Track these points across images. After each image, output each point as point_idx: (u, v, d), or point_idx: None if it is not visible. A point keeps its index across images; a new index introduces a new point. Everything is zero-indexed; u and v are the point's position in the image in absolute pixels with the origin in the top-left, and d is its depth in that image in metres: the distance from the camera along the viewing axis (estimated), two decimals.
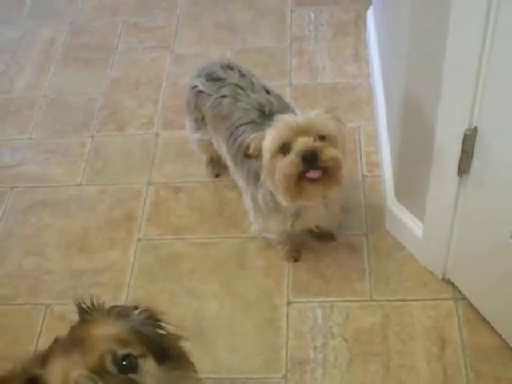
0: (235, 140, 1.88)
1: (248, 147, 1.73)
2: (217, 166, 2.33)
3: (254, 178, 1.85)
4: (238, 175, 1.99)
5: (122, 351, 1.11)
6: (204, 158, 2.33)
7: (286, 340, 1.92)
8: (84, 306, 1.22)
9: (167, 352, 1.22)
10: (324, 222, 2.00)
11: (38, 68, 2.92)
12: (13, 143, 2.62)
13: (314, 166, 1.63)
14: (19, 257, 2.24)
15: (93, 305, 1.22)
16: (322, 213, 1.88)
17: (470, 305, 1.91)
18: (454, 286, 1.96)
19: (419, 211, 1.92)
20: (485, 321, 1.87)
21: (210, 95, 1.97)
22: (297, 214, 1.86)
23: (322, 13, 2.95)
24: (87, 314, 1.21)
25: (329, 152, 1.64)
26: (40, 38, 3.07)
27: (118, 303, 1.27)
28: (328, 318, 1.96)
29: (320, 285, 2.04)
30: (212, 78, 1.99)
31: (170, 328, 1.28)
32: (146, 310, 1.25)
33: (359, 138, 2.41)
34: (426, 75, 1.64)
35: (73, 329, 1.20)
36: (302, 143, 1.63)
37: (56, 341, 1.19)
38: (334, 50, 2.78)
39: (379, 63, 2.42)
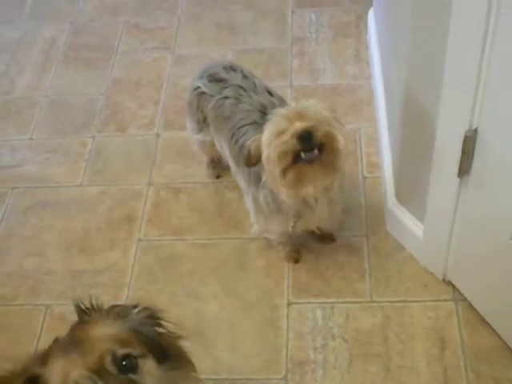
0: (237, 141, 1.88)
1: (249, 152, 1.72)
2: (217, 167, 2.33)
3: (256, 179, 1.85)
4: (239, 176, 1.99)
5: (121, 351, 1.11)
6: (205, 159, 2.33)
7: (286, 341, 1.92)
8: (82, 307, 1.21)
9: (167, 352, 1.22)
10: (325, 224, 2.00)
11: (39, 68, 2.92)
12: (13, 143, 2.62)
13: (310, 145, 1.60)
14: (19, 257, 2.24)
15: (92, 305, 1.22)
16: (323, 214, 1.87)
17: (470, 306, 1.91)
18: (454, 286, 1.96)
19: (419, 212, 1.92)
20: (485, 322, 1.87)
21: (212, 96, 1.97)
22: (298, 215, 1.85)
23: (323, 14, 2.95)
24: (86, 314, 1.21)
25: (324, 129, 1.62)
26: (41, 38, 3.07)
27: (118, 303, 1.27)
28: (328, 318, 1.96)
29: (320, 286, 2.04)
30: (214, 79, 1.99)
31: (169, 327, 1.28)
32: (145, 309, 1.25)
33: (360, 139, 2.41)
34: (427, 76, 1.64)
35: (72, 329, 1.20)
36: (297, 126, 1.60)
37: (56, 341, 1.19)
38: (335, 51, 2.78)
39: (380, 64, 2.42)
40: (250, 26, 2.96)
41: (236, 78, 1.97)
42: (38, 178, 2.47)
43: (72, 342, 1.14)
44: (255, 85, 1.95)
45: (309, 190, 1.71)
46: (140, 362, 1.13)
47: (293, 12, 2.99)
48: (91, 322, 1.18)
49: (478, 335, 1.86)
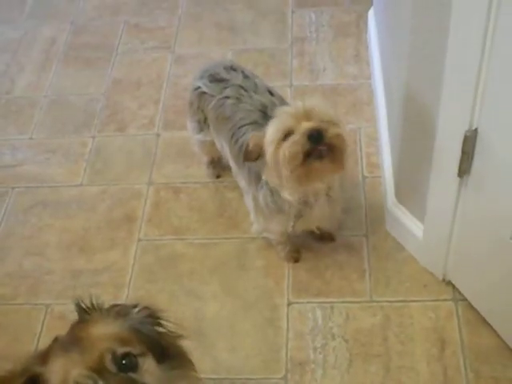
0: (237, 141, 1.88)
1: (248, 148, 1.73)
2: (217, 166, 2.33)
3: (255, 178, 1.85)
4: (239, 176, 1.99)
5: (121, 350, 1.11)
6: (205, 159, 2.33)
7: (285, 341, 1.93)
8: (83, 306, 1.22)
9: (167, 351, 1.22)
10: (325, 223, 2.00)
11: (39, 68, 2.92)
12: (13, 143, 2.62)
13: (320, 145, 1.60)
14: (20, 257, 2.24)
15: (92, 304, 1.22)
16: (324, 214, 1.87)
17: (470, 306, 1.91)
18: (454, 287, 1.96)
19: (419, 212, 1.92)
20: (485, 322, 1.87)
21: (213, 96, 1.97)
22: (299, 215, 1.85)
23: (323, 14, 2.95)
24: (86, 313, 1.21)
25: (334, 130, 1.62)
26: (41, 38, 3.07)
27: (118, 302, 1.27)
28: (328, 318, 1.96)
29: (320, 285, 2.04)
30: (215, 79, 1.99)
31: (169, 326, 1.28)
32: (145, 309, 1.25)
33: (360, 139, 2.41)
34: (427, 76, 1.64)
35: (72, 328, 1.20)
36: (306, 125, 1.60)
37: (56, 340, 1.20)
38: (335, 51, 2.78)
39: (380, 64, 2.42)
40: (250, 26, 2.96)
41: (237, 78, 1.97)
42: (38, 178, 2.48)
43: (72, 340, 1.14)
44: (256, 85, 1.95)
45: (315, 186, 1.72)
46: (140, 360, 1.13)
47: (293, 12, 2.99)
48: (91, 321, 1.18)
49: (477, 335, 1.86)
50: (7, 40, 3.09)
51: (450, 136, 1.58)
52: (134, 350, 1.13)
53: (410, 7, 1.64)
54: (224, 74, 1.99)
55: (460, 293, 1.94)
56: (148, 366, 1.14)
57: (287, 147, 1.61)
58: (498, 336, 1.84)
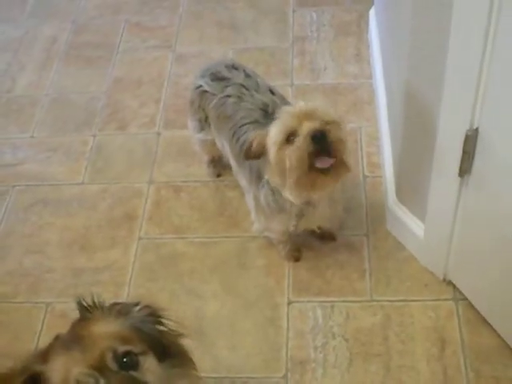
0: (238, 139, 1.88)
1: (250, 146, 1.72)
2: (218, 165, 2.33)
3: (256, 177, 1.85)
4: (240, 175, 1.99)
5: (122, 348, 1.11)
6: (205, 157, 2.33)
7: (286, 340, 1.93)
8: (84, 304, 1.22)
9: (168, 349, 1.22)
10: (326, 223, 2.00)
11: (40, 66, 2.92)
12: (14, 142, 2.62)
13: (324, 147, 1.59)
14: (20, 255, 2.24)
15: (93, 303, 1.23)
16: (325, 213, 1.87)
17: (471, 305, 1.91)
18: (454, 286, 1.96)
19: (420, 211, 1.92)
20: (485, 321, 1.87)
21: (214, 95, 1.97)
22: (300, 215, 1.85)
23: (324, 13, 2.95)
24: (88, 311, 1.21)
25: (336, 133, 1.62)
26: (42, 37, 3.07)
27: (119, 301, 1.27)
28: (328, 317, 1.96)
29: (320, 285, 2.04)
30: (217, 77, 1.99)
31: (170, 325, 1.28)
32: (146, 307, 1.25)
33: (360, 139, 2.41)
34: (428, 76, 1.64)
35: (73, 326, 1.20)
36: (308, 126, 1.60)
37: (57, 338, 1.20)
38: (336, 51, 2.78)
39: (381, 63, 2.42)
40: (251, 25, 2.96)
41: (238, 77, 1.97)
42: (39, 176, 2.48)
43: (73, 339, 1.14)
44: (257, 84, 1.95)
45: (318, 194, 1.73)
46: (141, 359, 1.13)
47: (294, 11, 2.99)
48: (93, 319, 1.19)
49: (478, 335, 1.86)
50: (8, 39, 3.09)
51: (450, 135, 1.58)
52: (135, 348, 1.13)
53: (411, 7, 1.64)
54: (225, 73, 1.99)
55: (460, 292, 1.94)
56: (149, 364, 1.14)
57: (293, 152, 1.61)
58: (499, 335, 1.84)
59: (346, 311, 1.96)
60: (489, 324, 1.86)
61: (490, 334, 1.85)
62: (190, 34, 2.97)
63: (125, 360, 1.11)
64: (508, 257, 1.62)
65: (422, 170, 1.80)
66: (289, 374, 1.85)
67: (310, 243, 2.13)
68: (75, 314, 1.24)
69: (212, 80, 1.99)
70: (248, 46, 2.87)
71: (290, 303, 2.01)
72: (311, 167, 1.62)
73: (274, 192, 1.80)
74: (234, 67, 2.01)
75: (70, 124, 2.66)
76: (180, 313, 1.97)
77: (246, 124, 1.87)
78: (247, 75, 1.98)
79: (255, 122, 1.85)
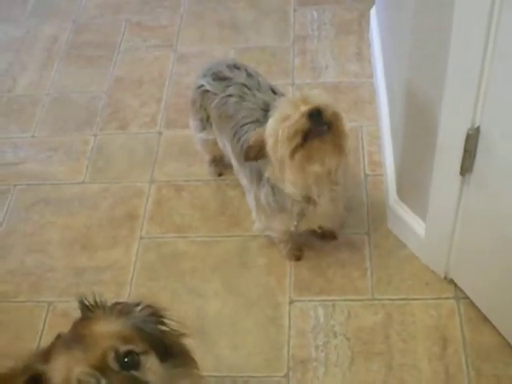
0: (239, 139, 1.88)
1: (249, 146, 1.72)
2: (219, 164, 2.33)
3: (257, 177, 1.85)
4: (241, 174, 1.99)
5: (124, 348, 1.11)
6: (207, 157, 2.33)
7: (287, 338, 1.93)
8: (86, 303, 1.22)
9: (170, 349, 1.22)
10: (328, 222, 2.00)
11: (41, 66, 2.93)
12: (15, 141, 2.62)
13: (319, 123, 1.59)
14: (22, 254, 2.25)
15: (95, 302, 1.23)
16: (327, 212, 1.87)
17: (472, 304, 1.91)
18: (455, 285, 1.96)
19: (421, 210, 1.92)
20: (486, 320, 1.87)
21: (215, 94, 1.96)
22: (302, 214, 1.85)
23: (325, 12, 2.95)
24: (89, 310, 1.21)
25: (331, 108, 1.61)
26: (43, 36, 3.07)
27: (121, 300, 1.27)
28: (330, 316, 1.96)
29: (322, 283, 2.04)
30: (218, 77, 1.99)
31: (172, 325, 1.28)
32: (148, 307, 1.25)
33: (362, 138, 2.41)
34: (429, 75, 1.64)
35: (75, 326, 1.20)
36: (305, 108, 1.59)
37: (58, 337, 1.20)
38: (337, 49, 2.78)
39: (382, 62, 2.42)
40: (252, 24, 2.96)
41: (240, 77, 1.96)
42: (40, 176, 2.48)
43: (75, 338, 1.14)
44: (259, 83, 1.95)
45: (316, 169, 1.68)
46: (142, 358, 1.13)
47: (295, 10, 2.99)
48: (94, 318, 1.19)
49: (479, 333, 1.86)
50: (9, 38, 3.09)
51: (452, 134, 1.57)
52: (137, 348, 1.13)
53: (412, 6, 1.64)
54: (227, 73, 1.99)
55: (462, 291, 1.94)
56: (150, 364, 1.14)
57: (286, 126, 1.60)
58: (500, 334, 1.84)
59: (347, 310, 1.97)
60: (490, 322, 1.86)
61: (491, 333, 1.85)
62: (191, 34, 2.97)
63: (126, 360, 1.11)
64: (509, 255, 1.62)
65: (423, 168, 1.80)
66: (290, 373, 1.85)
67: (311, 242, 2.13)
68: (77, 314, 1.24)
69: (214, 80, 1.99)
70: (249, 45, 2.86)
71: (291, 302, 2.01)
72: (306, 138, 1.60)
73: (275, 191, 1.80)
74: (235, 67, 2.01)
75: (71, 123, 2.66)
76: (181, 312, 1.97)
77: (247, 123, 1.86)
78: (249, 75, 1.97)
79: (256, 121, 1.85)
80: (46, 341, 1.25)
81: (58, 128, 2.65)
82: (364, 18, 2.84)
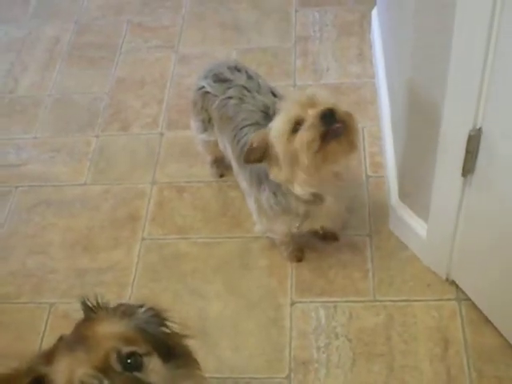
0: (239, 141, 1.88)
1: (250, 149, 1.71)
2: (221, 166, 2.33)
3: (257, 180, 1.85)
4: (241, 177, 1.99)
5: (126, 349, 1.11)
6: (208, 158, 2.33)
7: (289, 340, 1.93)
8: (89, 304, 1.22)
9: (172, 350, 1.22)
10: (331, 223, 2.00)
11: (43, 67, 2.93)
12: (18, 142, 2.63)
13: (332, 124, 1.58)
14: (23, 255, 2.25)
15: (98, 303, 1.23)
16: (331, 211, 1.86)
17: (474, 305, 1.91)
18: (457, 286, 1.96)
19: (423, 211, 1.92)
20: (488, 321, 1.87)
21: (216, 96, 1.97)
22: (306, 215, 1.85)
23: (327, 13, 2.95)
24: (92, 312, 1.21)
25: (342, 108, 1.61)
26: (45, 37, 3.07)
27: (124, 302, 1.27)
28: (331, 318, 1.96)
29: (323, 285, 2.04)
30: (219, 79, 1.99)
31: (174, 326, 1.28)
32: (151, 309, 1.25)
33: (363, 139, 2.41)
34: (431, 76, 1.64)
35: (78, 327, 1.20)
36: (314, 110, 1.59)
37: (61, 339, 1.20)
38: (339, 51, 2.78)
39: (383, 63, 2.42)
40: (254, 25, 2.96)
41: (241, 79, 1.96)
42: (42, 177, 2.48)
43: (77, 339, 1.14)
44: (259, 85, 1.95)
45: (333, 168, 1.69)
46: (145, 360, 1.13)
47: (296, 11, 2.99)
48: (97, 319, 1.19)
49: (481, 335, 1.86)
50: (11, 39, 3.09)
51: (454, 135, 1.57)
52: (140, 349, 1.13)
53: (413, 7, 1.64)
54: (228, 74, 1.99)
55: (463, 292, 1.94)
56: (153, 365, 1.14)
57: (304, 134, 1.59)
58: (501, 335, 1.84)
59: (348, 311, 1.97)
60: (492, 324, 1.86)
61: (492, 334, 1.85)
62: (192, 35, 2.97)
63: (129, 361, 1.11)
64: (510, 257, 1.62)
65: (424, 169, 1.79)
66: (292, 375, 1.85)
67: (313, 243, 2.13)
68: (79, 315, 1.24)
69: (214, 81, 1.99)
70: (251, 46, 2.86)
71: (292, 303, 2.01)
72: (323, 142, 1.60)
73: (277, 194, 1.80)
74: (236, 68, 2.01)
75: (73, 124, 2.66)
76: (183, 313, 1.98)
77: (246, 126, 1.86)
78: (249, 77, 1.97)
79: (256, 123, 1.85)
80: (48, 342, 1.25)
81: (60, 129, 2.65)
82: (365, 19, 2.84)
